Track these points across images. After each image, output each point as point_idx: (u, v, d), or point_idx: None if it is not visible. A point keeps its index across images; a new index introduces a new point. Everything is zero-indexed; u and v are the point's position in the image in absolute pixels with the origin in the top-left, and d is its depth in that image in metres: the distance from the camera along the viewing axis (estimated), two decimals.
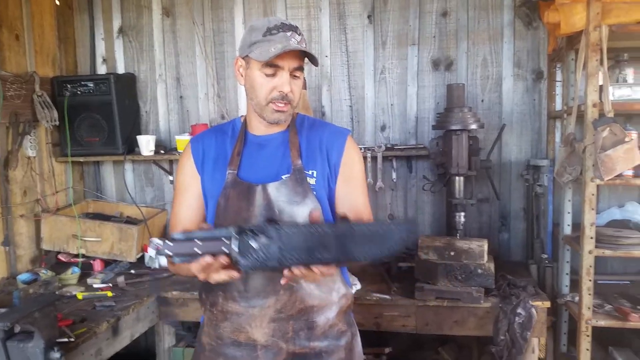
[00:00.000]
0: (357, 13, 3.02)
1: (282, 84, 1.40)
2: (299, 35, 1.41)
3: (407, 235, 1.19)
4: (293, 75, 1.42)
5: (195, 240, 1.16)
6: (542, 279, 2.67)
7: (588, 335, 2.29)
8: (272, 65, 1.39)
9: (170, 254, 1.16)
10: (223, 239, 1.17)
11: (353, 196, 1.51)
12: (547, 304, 2.32)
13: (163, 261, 2.87)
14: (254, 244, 1.16)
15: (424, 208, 3.06)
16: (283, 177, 1.45)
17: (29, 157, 2.87)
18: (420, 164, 3.03)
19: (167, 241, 1.16)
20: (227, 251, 1.17)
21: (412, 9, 2.97)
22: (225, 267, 1.20)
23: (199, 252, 1.16)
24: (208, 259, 1.16)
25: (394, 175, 3.01)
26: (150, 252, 1.12)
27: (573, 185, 2.57)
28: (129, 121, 3.13)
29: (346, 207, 1.50)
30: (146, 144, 3.01)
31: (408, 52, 3.00)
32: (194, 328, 3.07)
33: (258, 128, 1.52)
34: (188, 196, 1.52)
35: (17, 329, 1.68)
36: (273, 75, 1.40)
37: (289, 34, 1.38)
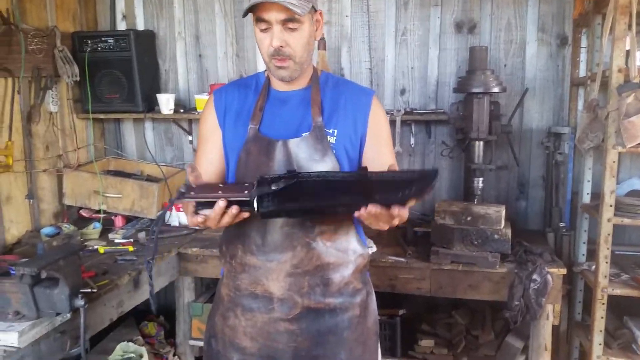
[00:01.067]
0: None
1: (271, 38, 1.38)
2: None
3: (428, 184, 1.15)
4: (287, 28, 1.38)
5: (218, 189, 1.20)
6: (559, 248, 2.67)
7: (603, 304, 2.30)
8: (261, 20, 1.37)
9: (193, 194, 1.19)
10: (244, 190, 1.20)
11: (383, 156, 1.51)
12: (563, 271, 2.32)
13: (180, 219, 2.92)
14: (274, 186, 1.19)
15: (441, 174, 3.05)
16: (303, 134, 1.45)
17: (50, 113, 2.90)
18: (440, 129, 3.00)
19: (190, 188, 1.19)
20: (248, 195, 1.19)
21: None
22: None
23: (221, 195, 1.19)
24: (222, 203, 1.19)
25: (412, 140, 3.00)
26: (177, 195, 1.19)
27: (594, 154, 2.53)
28: (148, 79, 3.13)
29: (376, 167, 1.50)
30: (166, 102, 3.02)
31: (430, 13, 2.94)
32: (212, 285, 3.14)
33: (279, 84, 1.51)
34: (208, 148, 1.54)
35: (44, 275, 1.73)
36: (266, 30, 1.38)
37: None
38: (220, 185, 1.21)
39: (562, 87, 2.85)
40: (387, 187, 1.16)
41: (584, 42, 2.74)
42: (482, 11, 2.88)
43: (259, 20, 1.37)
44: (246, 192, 1.20)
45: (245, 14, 1.38)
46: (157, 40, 3.26)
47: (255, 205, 1.20)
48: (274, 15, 1.36)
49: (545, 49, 2.85)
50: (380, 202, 1.15)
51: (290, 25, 1.38)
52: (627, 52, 2.17)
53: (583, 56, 2.75)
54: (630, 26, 2.12)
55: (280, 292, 1.46)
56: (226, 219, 1.25)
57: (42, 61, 2.76)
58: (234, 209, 1.22)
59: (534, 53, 2.86)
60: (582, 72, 2.75)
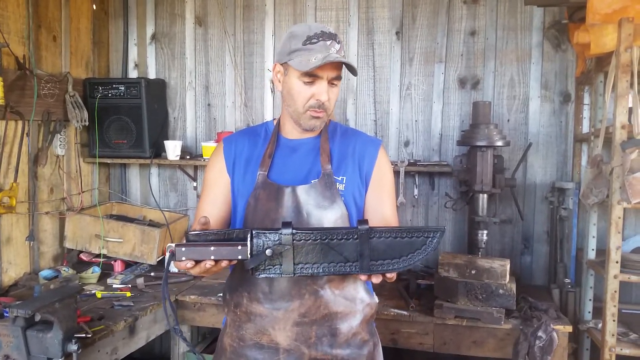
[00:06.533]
0: (386, 29, 3.05)
1: (320, 92, 1.42)
2: (338, 43, 1.42)
3: (435, 245, 1.15)
4: (331, 84, 1.44)
5: (210, 247, 1.16)
6: (564, 304, 2.62)
7: None
8: (311, 74, 1.40)
9: (184, 259, 1.16)
10: (238, 246, 1.16)
11: (382, 205, 1.52)
12: (569, 328, 2.27)
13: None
14: (268, 252, 1.16)
15: (444, 226, 3.02)
16: (312, 181, 1.45)
17: (57, 156, 2.93)
18: (443, 181, 3.02)
19: (181, 247, 1.16)
20: (241, 258, 1.16)
21: (440, 27, 2.99)
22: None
23: (213, 258, 1.15)
24: (209, 265, 1.18)
25: (415, 192, 3.00)
26: (168, 257, 1.16)
27: (598, 209, 2.53)
28: (157, 126, 3.17)
29: (375, 215, 1.51)
30: (173, 148, 3.05)
31: (435, 69, 3.01)
32: (208, 335, 3.07)
33: (291, 132, 1.54)
34: (213, 193, 1.54)
35: (38, 317, 1.69)
36: (311, 83, 1.42)
37: (328, 42, 1.39)
38: (213, 242, 1.17)
39: (566, 143, 2.88)
40: (388, 252, 1.14)
41: (586, 100, 2.79)
42: (485, 68, 2.95)
43: (307, 74, 1.40)
44: (240, 256, 1.16)
45: (308, 69, 1.37)
46: (167, 89, 3.33)
47: (250, 269, 1.18)
48: (327, 73, 1.41)
49: (548, 105, 2.90)
50: (380, 270, 1.15)
51: (335, 81, 1.44)
52: (630, 109, 2.20)
53: (586, 113, 2.79)
54: (632, 84, 2.17)
55: (286, 343, 1.43)
56: (213, 269, 1.22)
57: (53, 105, 2.81)
58: (223, 264, 1.20)
59: (537, 109, 2.91)
60: (585, 128, 2.79)
